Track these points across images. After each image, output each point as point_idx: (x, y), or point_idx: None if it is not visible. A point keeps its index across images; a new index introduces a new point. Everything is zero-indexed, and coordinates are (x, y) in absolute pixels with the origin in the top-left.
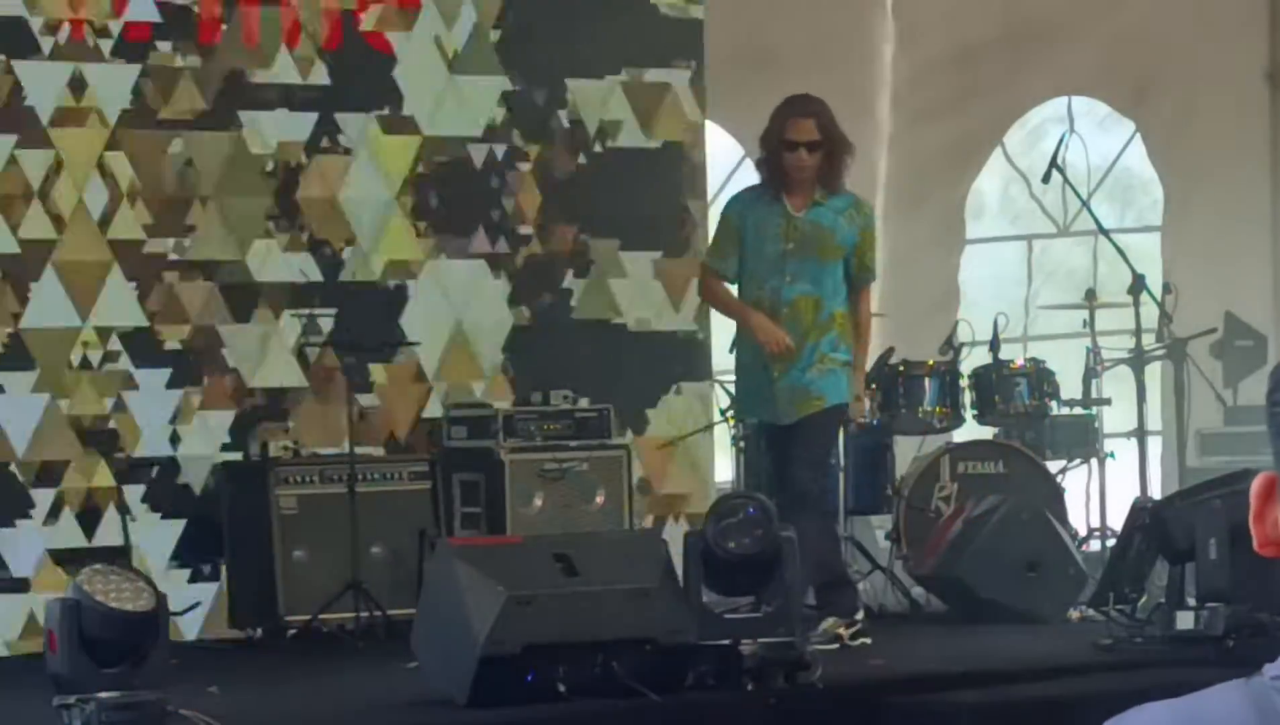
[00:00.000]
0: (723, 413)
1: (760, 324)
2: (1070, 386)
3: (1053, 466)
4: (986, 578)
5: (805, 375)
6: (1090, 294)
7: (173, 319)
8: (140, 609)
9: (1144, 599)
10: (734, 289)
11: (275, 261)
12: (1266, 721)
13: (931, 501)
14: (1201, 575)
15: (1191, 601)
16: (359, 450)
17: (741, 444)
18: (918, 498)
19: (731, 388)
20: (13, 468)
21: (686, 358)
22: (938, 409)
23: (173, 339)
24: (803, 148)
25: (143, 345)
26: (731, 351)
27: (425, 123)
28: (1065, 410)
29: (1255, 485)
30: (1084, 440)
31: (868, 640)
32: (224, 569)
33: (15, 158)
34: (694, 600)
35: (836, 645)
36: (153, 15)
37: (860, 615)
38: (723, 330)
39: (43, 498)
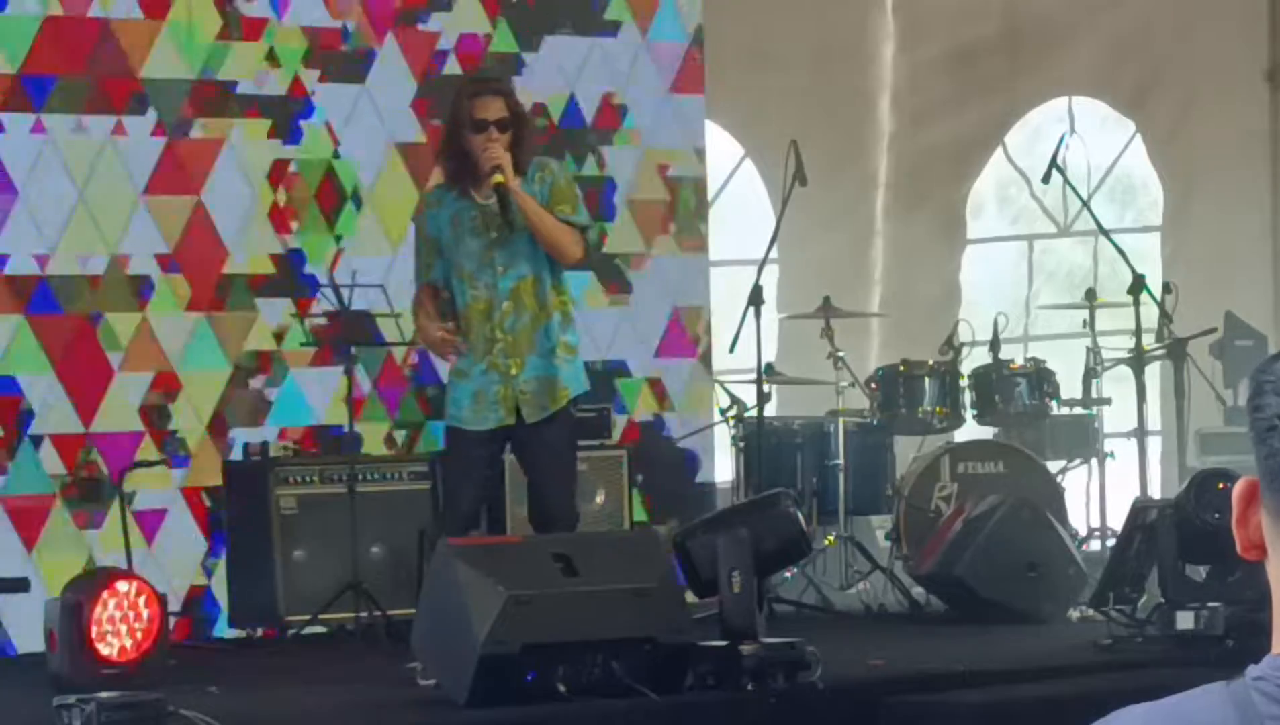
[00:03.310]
0: (723, 412)
1: (424, 330)
2: (1070, 386)
3: (1053, 466)
4: (986, 578)
5: (549, 363)
6: (1090, 294)
7: None
8: (131, 659)
9: (1144, 599)
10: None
11: None
12: (1247, 722)
13: (931, 501)
14: (1160, 578)
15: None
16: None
17: (741, 444)
18: (918, 498)
19: (731, 388)
20: None
21: None
22: (938, 409)
23: None
24: (493, 126)
25: None
26: (732, 351)
27: None
28: (1065, 410)
29: (1237, 489)
30: (1084, 440)
31: None
32: (224, 569)
33: None
34: (755, 603)
35: None
36: None
37: None
38: (723, 329)
39: None
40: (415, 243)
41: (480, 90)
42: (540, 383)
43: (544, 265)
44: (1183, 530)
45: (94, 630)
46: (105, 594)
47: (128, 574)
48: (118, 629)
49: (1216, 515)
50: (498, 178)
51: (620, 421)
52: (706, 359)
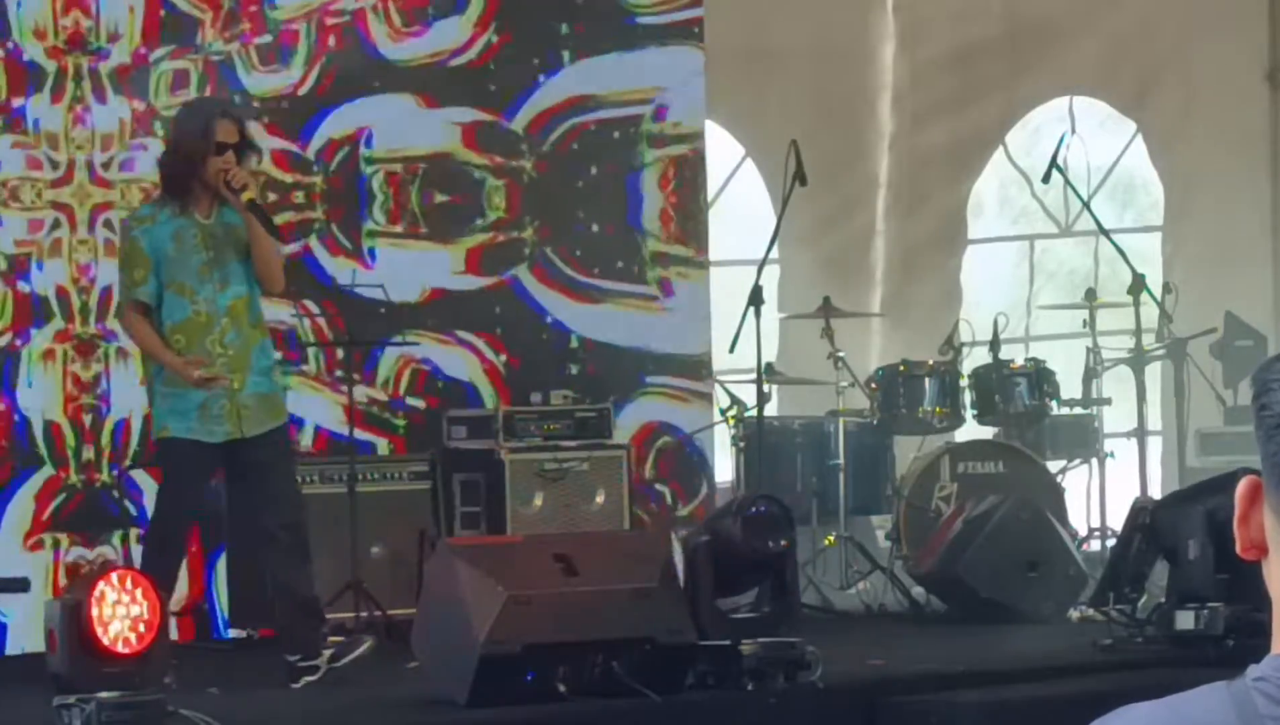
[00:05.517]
0: (723, 412)
1: (175, 365)
2: (1070, 386)
3: (1053, 466)
4: (986, 578)
5: (263, 382)
6: (1090, 294)
7: None
8: (129, 652)
9: (1144, 599)
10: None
11: None
12: (1247, 722)
13: (931, 501)
14: (1181, 576)
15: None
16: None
17: (741, 444)
18: (918, 498)
19: (731, 388)
20: None
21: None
22: (938, 409)
23: None
24: (230, 149)
25: None
26: (732, 351)
27: None
28: (1065, 410)
29: (1240, 488)
30: (1084, 440)
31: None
32: (225, 568)
33: None
34: (704, 600)
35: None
36: None
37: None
38: (723, 329)
39: None
40: (125, 256)
41: (224, 113)
42: (259, 399)
43: (254, 286)
44: (1214, 523)
45: (94, 617)
46: (102, 583)
47: (125, 566)
48: (115, 616)
49: None
50: (248, 195)
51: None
52: None
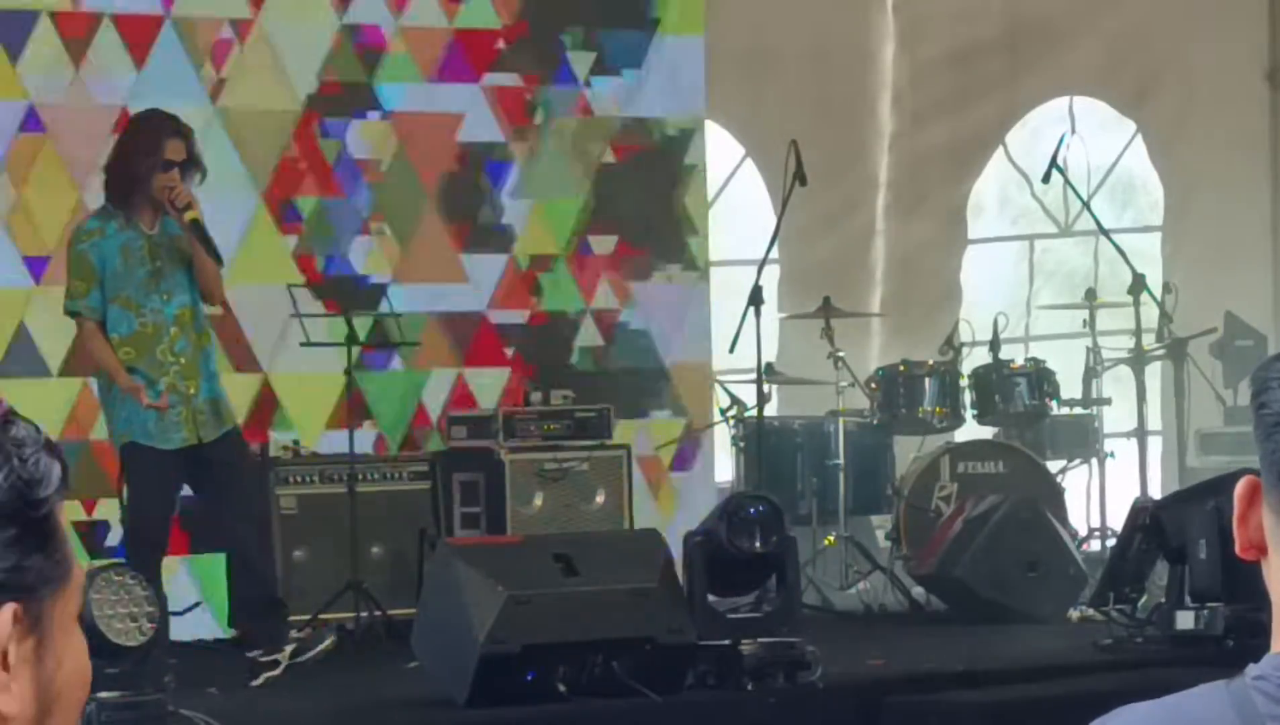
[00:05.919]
0: (723, 412)
1: (127, 388)
2: (1070, 386)
3: (1053, 466)
4: (986, 578)
5: (214, 387)
6: (1090, 294)
7: None
8: (136, 644)
9: (1144, 599)
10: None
11: None
12: (1246, 721)
13: (931, 501)
14: (1193, 575)
15: (1189, 601)
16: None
17: (741, 444)
18: (918, 498)
19: (731, 388)
20: None
21: None
22: (938, 409)
23: None
24: (177, 167)
25: None
26: (732, 351)
27: None
28: (1065, 410)
29: (1239, 488)
30: (1084, 440)
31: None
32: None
33: None
34: (697, 600)
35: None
36: None
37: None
38: (723, 329)
39: None
40: (70, 268)
41: (175, 131)
42: (211, 404)
43: (197, 297)
44: (1223, 522)
45: (94, 617)
46: (102, 583)
47: (120, 563)
48: (115, 615)
49: None
50: (191, 214)
51: None
52: None
